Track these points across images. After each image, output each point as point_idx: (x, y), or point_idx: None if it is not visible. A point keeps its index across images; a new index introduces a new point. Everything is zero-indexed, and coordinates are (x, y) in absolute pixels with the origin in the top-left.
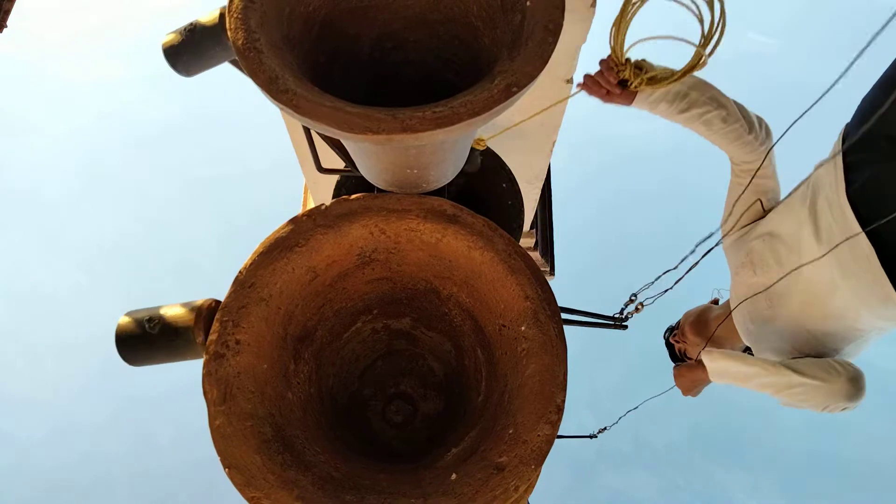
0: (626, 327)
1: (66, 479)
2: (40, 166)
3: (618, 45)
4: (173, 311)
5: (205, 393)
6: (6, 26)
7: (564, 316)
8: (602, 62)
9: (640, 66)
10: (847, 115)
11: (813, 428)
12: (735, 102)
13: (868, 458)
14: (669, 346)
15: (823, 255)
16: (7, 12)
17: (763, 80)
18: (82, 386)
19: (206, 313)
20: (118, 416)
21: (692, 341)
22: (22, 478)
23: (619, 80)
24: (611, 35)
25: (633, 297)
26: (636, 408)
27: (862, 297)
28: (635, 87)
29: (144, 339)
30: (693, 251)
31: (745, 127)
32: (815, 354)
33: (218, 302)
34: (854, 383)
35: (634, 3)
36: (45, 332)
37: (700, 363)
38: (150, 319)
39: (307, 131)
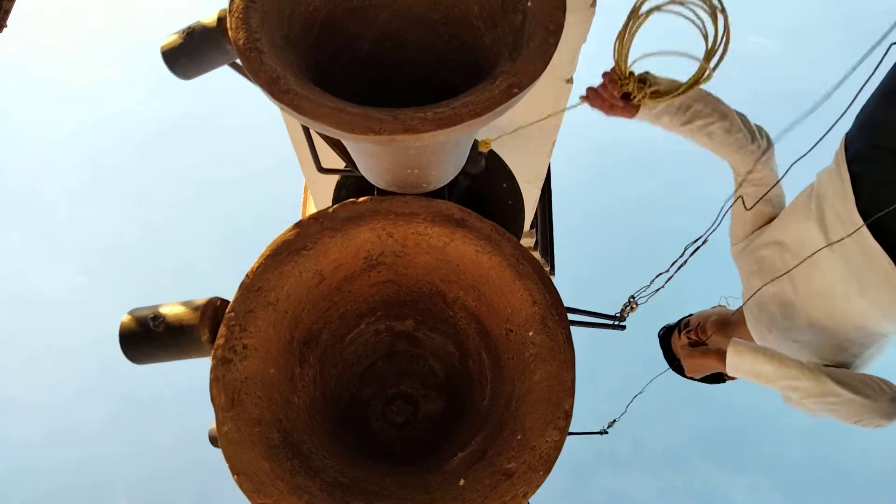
0: (624, 328)
1: (65, 482)
2: (40, 168)
3: (621, 58)
4: (177, 309)
5: (212, 398)
6: (6, 26)
7: None
8: (605, 74)
9: (644, 80)
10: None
11: (812, 431)
12: (737, 112)
13: (867, 461)
14: (665, 344)
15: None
16: (7, 12)
17: (764, 83)
18: (81, 389)
19: (211, 311)
20: (117, 419)
21: (714, 339)
22: (20, 482)
23: (622, 93)
24: (614, 48)
25: (631, 298)
26: (641, 392)
27: (883, 309)
28: (639, 100)
29: (149, 338)
30: (682, 255)
31: (747, 137)
32: (833, 363)
33: (223, 300)
34: None
35: (638, 17)
36: (45, 336)
37: (717, 352)
38: (155, 318)
39: (306, 131)
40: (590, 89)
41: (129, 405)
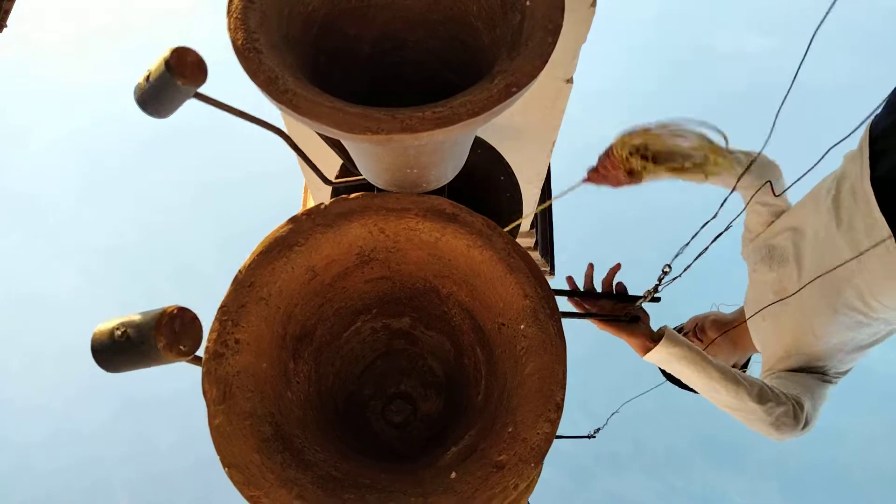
0: (658, 300)
1: (65, 483)
2: (40, 168)
3: (623, 150)
4: (139, 318)
5: (204, 392)
6: (6, 26)
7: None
8: (606, 160)
9: (645, 155)
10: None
11: (812, 433)
12: (730, 150)
13: (866, 462)
14: None
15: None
16: (7, 12)
17: (761, 80)
18: (81, 390)
19: (167, 319)
20: (117, 419)
21: (711, 338)
22: (21, 482)
23: (626, 170)
24: (618, 145)
25: (667, 267)
26: (629, 401)
27: (874, 287)
28: (644, 175)
29: (114, 347)
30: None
31: (743, 167)
32: (814, 357)
33: (180, 308)
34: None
35: (648, 135)
36: (44, 336)
37: (641, 336)
38: (118, 327)
39: (302, 154)
40: (592, 172)
41: (129, 405)
